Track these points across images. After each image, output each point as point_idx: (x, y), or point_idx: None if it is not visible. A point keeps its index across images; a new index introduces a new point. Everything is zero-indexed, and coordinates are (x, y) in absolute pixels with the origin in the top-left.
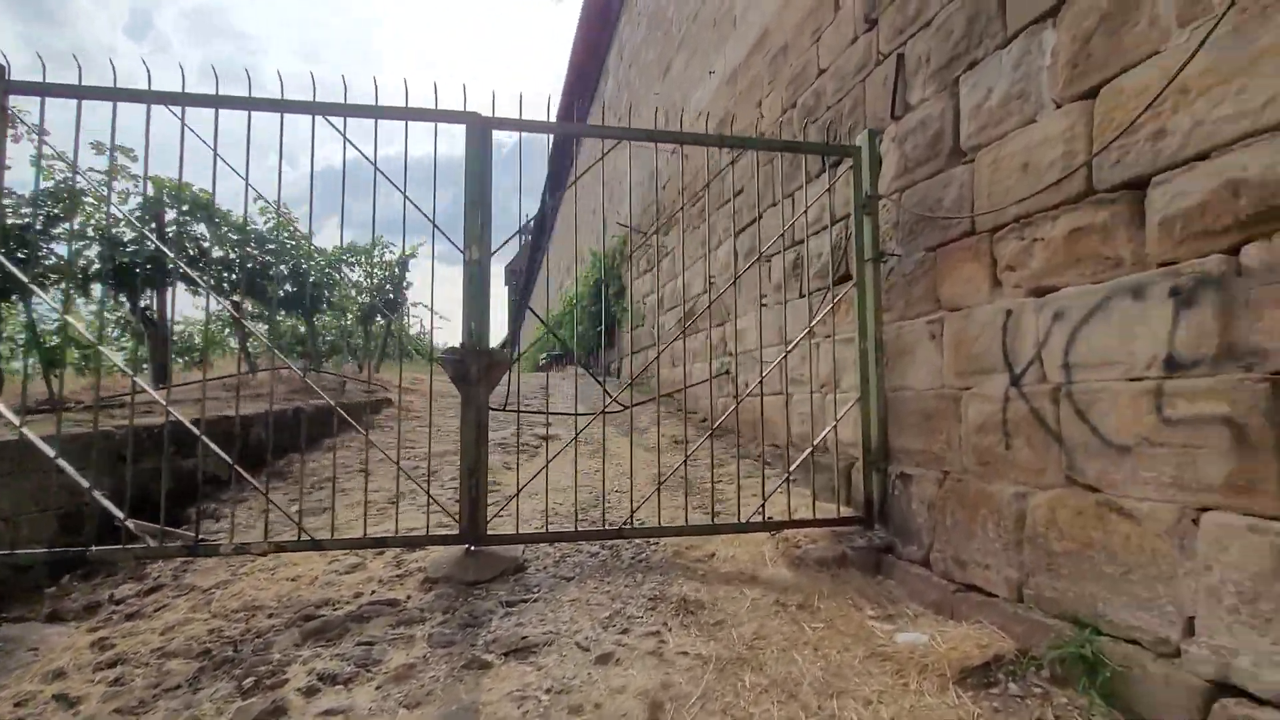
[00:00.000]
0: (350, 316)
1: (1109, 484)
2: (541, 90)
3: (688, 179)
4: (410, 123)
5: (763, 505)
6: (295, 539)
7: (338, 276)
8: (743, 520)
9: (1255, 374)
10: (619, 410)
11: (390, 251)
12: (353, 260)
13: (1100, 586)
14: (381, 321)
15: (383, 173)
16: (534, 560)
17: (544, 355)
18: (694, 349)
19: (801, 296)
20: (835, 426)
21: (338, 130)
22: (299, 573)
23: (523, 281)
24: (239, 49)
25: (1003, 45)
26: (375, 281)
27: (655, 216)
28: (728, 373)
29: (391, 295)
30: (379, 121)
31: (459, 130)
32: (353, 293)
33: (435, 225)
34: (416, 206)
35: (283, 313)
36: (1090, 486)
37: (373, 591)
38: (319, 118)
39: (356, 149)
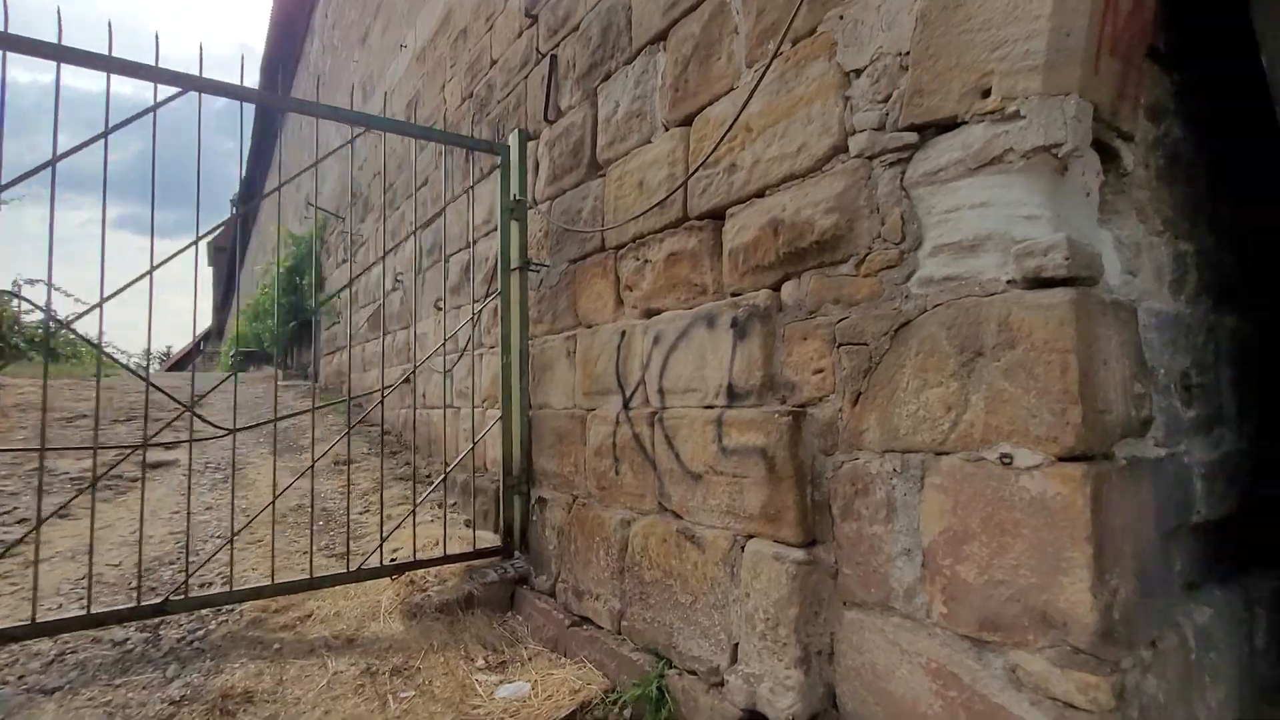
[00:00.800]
0: None
1: (687, 511)
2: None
3: (378, 162)
4: None
5: (380, 545)
6: None
7: None
8: (354, 567)
9: (784, 407)
10: (209, 438)
11: None
12: None
13: (676, 616)
14: None
15: None
16: (7, 666)
17: (234, 353)
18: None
19: (475, 302)
20: (474, 448)
21: None
22: None
23: (227, 260)
24: None
25: (629, 61)
26: None
27: (351, 200)
28: (407, 381)
29: None
30: None
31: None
32: None
33: None
34: None
35: None
36: (675, 513)
37: None
38: None
39: None
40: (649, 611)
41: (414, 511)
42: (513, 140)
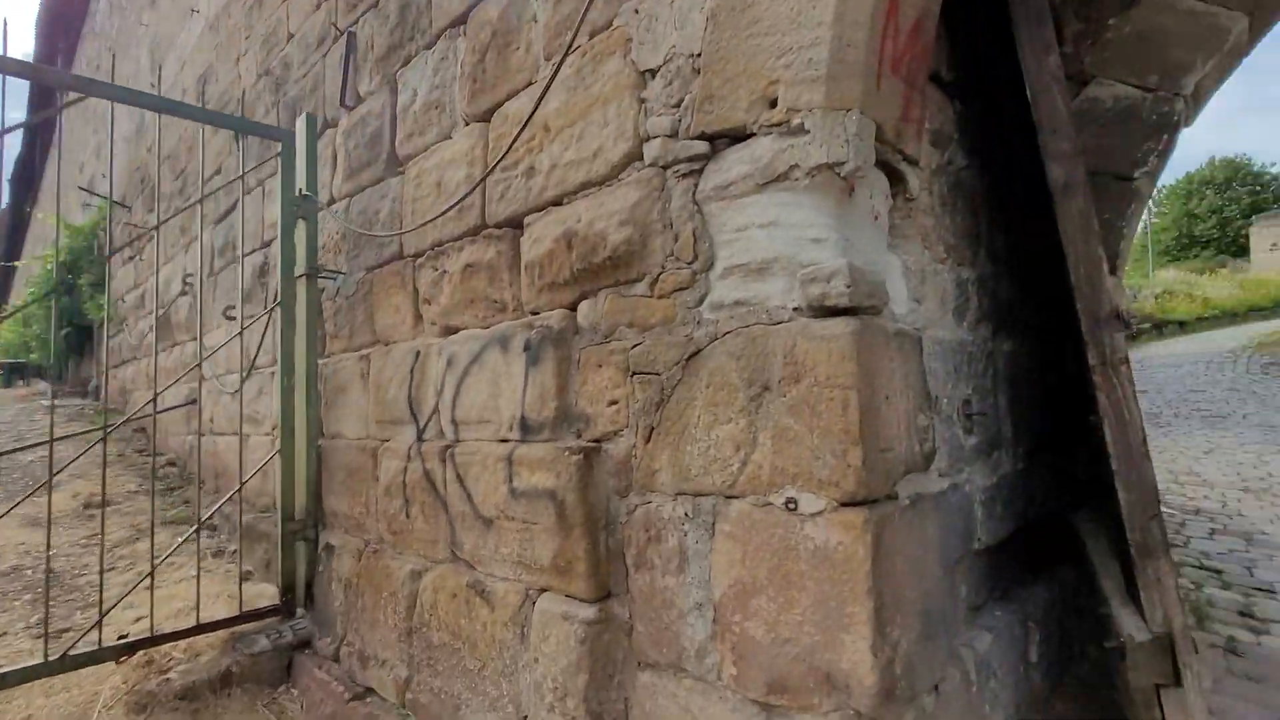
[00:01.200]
0: None
1: (479, 561)
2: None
3: (170, 145)
4: None
5: (100, 620)
6: None
7: None
8: (58, 654)
9: (577, 443)
10: None
11: None
12: None
13: (464, 685)
14: None
15: None
16: None
17: None
18: (169, 367)
19: (265, 311)
20: (242, 487)
21: None
22: None
23: (4, 250)
24: None
25: (429, 45)
26: None
27: (139, 186)
28: (194, 402)
29: None
30: None
31: None
32: None
33: None
34: None
35: None
36: (468, 563)
37: None
38: None
39: None
40: (436, 680)
41: (153, 570)
42: (299, 127)
